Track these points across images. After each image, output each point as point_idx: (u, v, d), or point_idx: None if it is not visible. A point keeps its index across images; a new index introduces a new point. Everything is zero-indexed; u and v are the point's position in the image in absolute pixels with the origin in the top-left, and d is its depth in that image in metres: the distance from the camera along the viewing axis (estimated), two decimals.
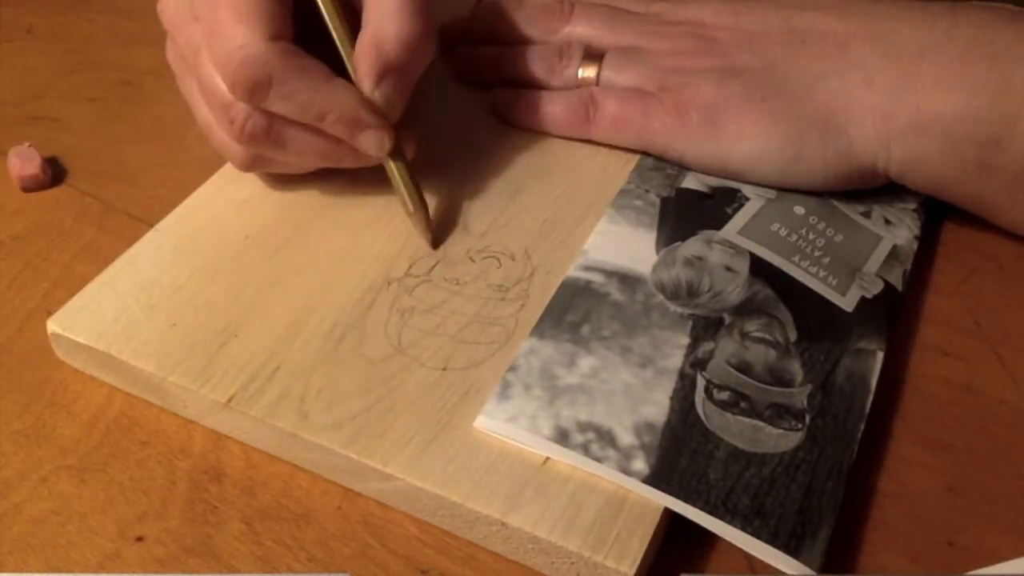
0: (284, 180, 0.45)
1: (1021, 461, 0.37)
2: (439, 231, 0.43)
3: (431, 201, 0.44)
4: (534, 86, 0.48)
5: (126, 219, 0.46)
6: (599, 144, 0.47)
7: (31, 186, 0.47)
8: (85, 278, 0.43)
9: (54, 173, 0.48)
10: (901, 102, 0.42)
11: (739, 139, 0.44)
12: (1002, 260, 0.45)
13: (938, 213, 0.46)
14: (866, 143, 0.43)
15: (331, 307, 0.39)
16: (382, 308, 0.40)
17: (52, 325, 0.39)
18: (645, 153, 0.47)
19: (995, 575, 0.32)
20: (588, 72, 0.47)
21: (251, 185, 0.45)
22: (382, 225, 0.43)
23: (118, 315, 0.39)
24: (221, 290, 0.40)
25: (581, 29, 0.49)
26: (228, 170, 0.45)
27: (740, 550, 0.33)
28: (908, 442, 0.38)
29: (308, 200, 0.44)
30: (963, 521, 0.35)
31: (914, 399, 0.39)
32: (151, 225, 0.45)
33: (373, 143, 0.41)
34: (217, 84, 0.40)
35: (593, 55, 0.48)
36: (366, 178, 0.45)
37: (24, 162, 0.47)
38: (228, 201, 0.44)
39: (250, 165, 0.43)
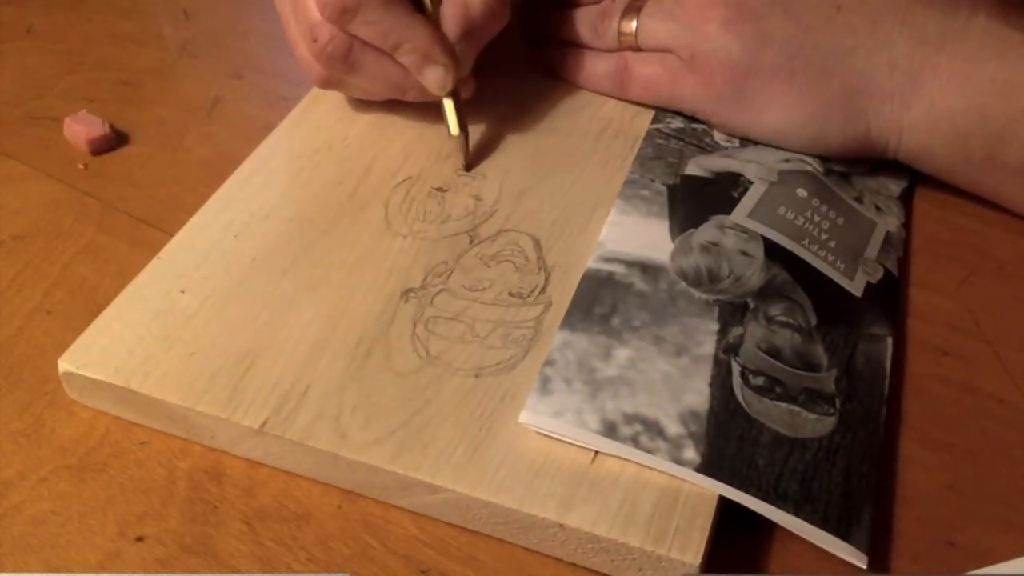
0: (283, 200, 0.44)
1: (1021, 461, 0.37)
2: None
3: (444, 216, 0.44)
4: (581, 45, 0.51)
5: (126, 219, 0.46)
6: (597, 141, 0.48)
7: (102, 147, 0.50)
8: (85, 278, 0.43)
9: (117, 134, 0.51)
10: (918, 94, 0.43)
11: (765, 111, 0.46)
12: (1002, 260, 0.45)
13: (937, 213, 0.46)
14: (882, 128, 0.45)
15: (352, 323, 0.39)
16: (404, 320, 0.39)
17: (64, 364, 0.37)
18: (655, 131, 0.48)
19: (995, 575, 0.32)
20: (628, 27, 0.49)
21: (250, 206, 0.44)
22: (390, 238, 0.43)
23: (133, 348, 0.38)
24: (236, 314, 0.39)
25: None
26: (222, 193, 0.44)
27: (789, 538, 0.34)
28: (908, 442, 0.38)
29: (310, 218, 0.43)
30: (963, 521, 0.35)
31: (914, 399, 0.39)
32: (151, 225, 0.45)
33: (437, 79, 0.45)
34: (307, 3, 0.44)
35: (634, 7, 0.49)
36: (366, 192, 0.45)
37: (89, 127, 0.49)
38: (228, 224, 0.43)
39: (325, 84, 0.47)
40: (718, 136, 0.48)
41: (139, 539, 0.34)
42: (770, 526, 0.34)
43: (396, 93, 0.46)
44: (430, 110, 0.49)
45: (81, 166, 0.49)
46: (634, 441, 0.34)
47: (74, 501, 0.35)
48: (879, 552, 0.34)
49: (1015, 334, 0.41)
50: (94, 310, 0.39)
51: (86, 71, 0.55)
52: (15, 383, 0.39)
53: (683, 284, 0.40)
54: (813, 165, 0.46)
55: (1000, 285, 0.44)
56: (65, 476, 0.36)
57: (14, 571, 0.33)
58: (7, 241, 0.45)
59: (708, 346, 0.38)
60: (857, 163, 0.47)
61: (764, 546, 0.34)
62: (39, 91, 0.54)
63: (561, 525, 0.33)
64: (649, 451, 0.34)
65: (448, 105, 0.46)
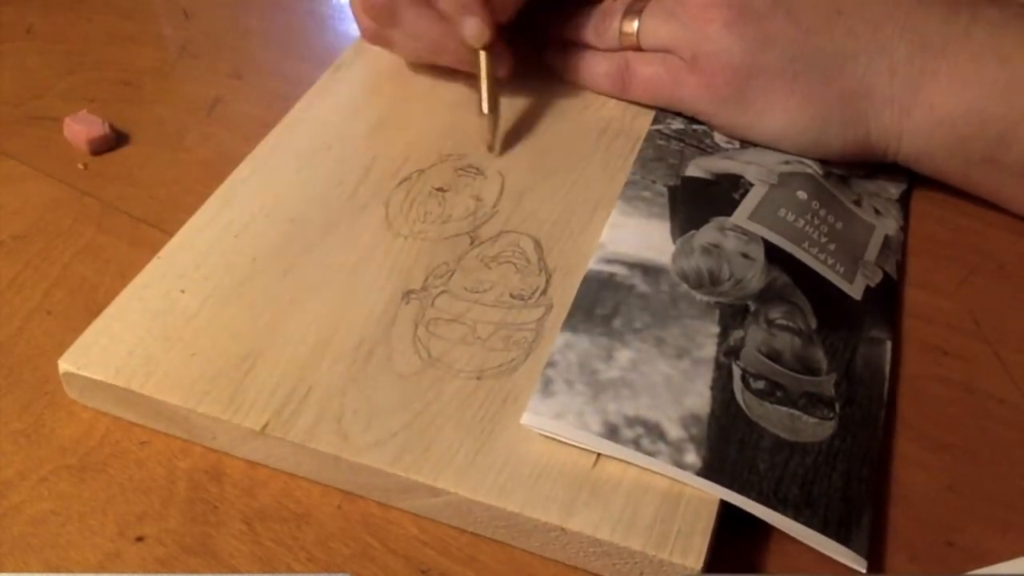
0: (283, 200, 0.44)
1: (1021, 461, 0.37)
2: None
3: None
4: (583, 44, 0.52)
5: (126, 219, 0.46)
6: (597, 142, 0.48)
7: (102, 147, 0.50)
8: (85, 278, 0.43)
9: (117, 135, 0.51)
10: (918, 99, 0.43)
11: (766, 114, 0.46)
12: (1002, 260, 0.45)
13: (937, 213, 0.46)
14: (881, 133, 0.45)
15: (353, 324, 0.39)
16: (406, 321, 0.39)
17: (64, 364, 0.37)
18: (656, 132, 0.48)
19: (995, 575, 0.32)
20: (629, 27, 0.49)
21: (250, 206, 0.44)
22: (391, 239, 0.43)
23: (133, 349, 0.38)
24: (237, 315, 0.39)
25: None
26: (222, 193, 0.44)
27: (787, 538, 0.34)
28: (907, 442, 0.38)
29: (310, 219, 0.43)
30: (963, 521, 0.35)
31: (913, 399, 0.39)
32: (151, 225, 0.45)
33: (475, 30, 0.46)
34: None
35: (635, 7, 0.49)
36: (366, 192, 0.45)
37: (89, 127, 0.50)
38: (228, 224, 0.43)
39: (372, 37, 0.50)
40: (719, 138, 0.48)
41: (139, 539, 0.34)
42: (768, 526, 0.34)
43: (434, 52, 0.48)
44: (431, 109, 0.49)
45: (81, 166, 0.49)
46: (635, 444, 0.34)
47: (74, 501, 0.35)
48: (878, 552, 0.34)
49: (1015, 334, 0.41)
50: (94, 310, 0.39)
51: (86, 71, 0.55)
52: (15, 383, 0.39)
53: (684, 286, 0.40)
54: (813, 167, 0.47)
55: (1000, 285, 0.44)
56: (65, 476, 0.36)
57: (14, 571, 0.33)
58: (7, 241, 0.45)
59: (709, 349, 0.38)
60: (856, 166, 0.47)
61: (762, 546, 0.34)
62: (39, 91, 0.54)
63: (563, 529, 0.33)
64: (650, 454, 0.34)
65: (483, 68, 0.47)
